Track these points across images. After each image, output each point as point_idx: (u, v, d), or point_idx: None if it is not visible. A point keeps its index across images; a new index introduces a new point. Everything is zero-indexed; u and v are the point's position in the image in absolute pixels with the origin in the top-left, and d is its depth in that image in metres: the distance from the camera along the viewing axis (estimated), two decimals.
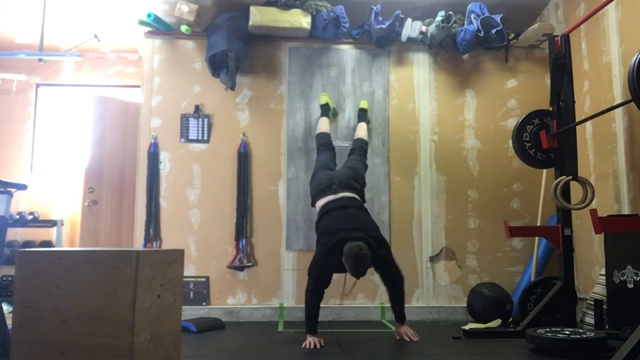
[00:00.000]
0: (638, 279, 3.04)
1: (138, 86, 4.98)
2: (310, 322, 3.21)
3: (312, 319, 3.22)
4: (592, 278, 3.84)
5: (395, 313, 3.37)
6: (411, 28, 4.39)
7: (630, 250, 3.11)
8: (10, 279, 4.60)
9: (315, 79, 4.48)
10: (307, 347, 3.07)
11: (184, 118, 4.37)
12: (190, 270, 4.17)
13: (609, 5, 3.51)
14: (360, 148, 4.09)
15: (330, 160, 4.00)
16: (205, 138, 4.37)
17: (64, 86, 5.65)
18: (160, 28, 4.38)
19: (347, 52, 4.54)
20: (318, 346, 3.08)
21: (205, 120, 4.37)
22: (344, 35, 4.44)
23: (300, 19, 4.24)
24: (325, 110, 4.31)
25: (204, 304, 4.17)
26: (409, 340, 3.23)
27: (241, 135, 4.38)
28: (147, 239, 4.20)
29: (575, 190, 3.50)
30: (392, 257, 3.39)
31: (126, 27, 4.76)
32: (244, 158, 4.34)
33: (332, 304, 4.16)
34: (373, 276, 4.19)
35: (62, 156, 5.55)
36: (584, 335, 2.88)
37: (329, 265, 3.23)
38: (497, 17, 4.36)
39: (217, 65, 4.17)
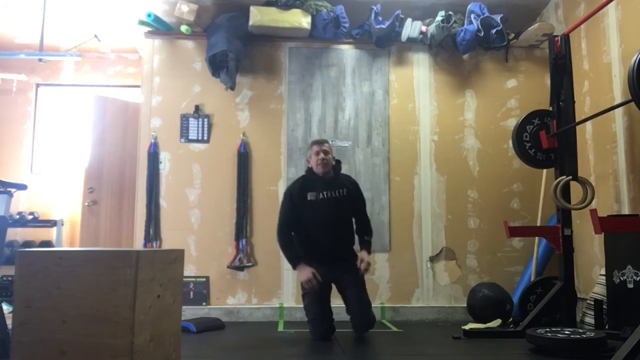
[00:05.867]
0: (638, 279, 3.04)
1: (138, 86, 4.98)
2: (290, 255, 3.33)
3: (290, 250, 3.34)
4: (592, 278, 3.84)
5: (363, 243, 3.49)
6: (411, 28, 4.40)
7: (630, 250, 3.12)
8: (10, 279, 4.60)
9: (315, 79, 4.48)
10: (306, 285, 3.21)
11: (184, 118, 4.37)
12: (190, 270, 4.17)
13: (609, 5, 3.51)
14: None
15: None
16: (205, 138, 4.37)
17: (64, 86, 5.65)
18: (160, 28, 4.38)
19: (347, 52, 4.54)
20: (314, 280, 3.17)
21: (205, 120, 4.37)
22: (344, 35, 4.44)
23: (300, 19, 4.24)
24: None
25: (204, 304, 4.17)
26: (359, 267, 3.33)
27: (241, 135, 4.38)
28: (147, 239, 4.20)
29: (575, 190, 3.50)
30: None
31: (126, 27, 4.76)
32: (244, 158, 4.34)
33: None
34: (373, 276, 4.22)
35: (62, 156, 5.55)
36: (584, 335, 2.88)
37: (293, 189, 3.46)
38: (497, 17, 4.36)
39: (217, 65, 4.17)
